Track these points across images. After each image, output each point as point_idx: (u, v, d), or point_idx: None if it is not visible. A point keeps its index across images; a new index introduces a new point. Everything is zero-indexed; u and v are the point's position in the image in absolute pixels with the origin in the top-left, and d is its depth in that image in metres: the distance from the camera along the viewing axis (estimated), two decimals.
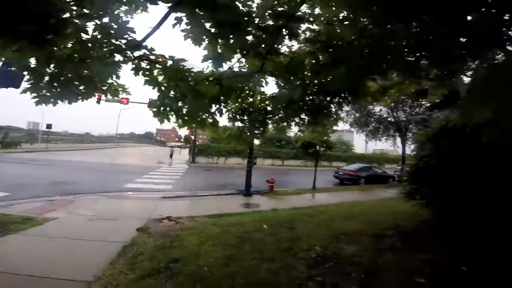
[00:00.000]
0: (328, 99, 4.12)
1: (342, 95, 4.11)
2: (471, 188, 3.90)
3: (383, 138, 22.03)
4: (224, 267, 3.67)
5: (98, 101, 22.23)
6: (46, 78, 2.45)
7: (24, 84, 2.45)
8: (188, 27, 2.29)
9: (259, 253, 4.13)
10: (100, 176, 13.31)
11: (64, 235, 4.76)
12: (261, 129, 4.35)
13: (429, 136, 4.90)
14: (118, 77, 2.74)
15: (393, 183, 16.52)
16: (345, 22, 2.52)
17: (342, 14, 2.62)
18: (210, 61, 2.61)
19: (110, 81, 2.84)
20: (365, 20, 2.40)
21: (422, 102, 18.11)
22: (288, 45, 3.23)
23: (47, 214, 5.97)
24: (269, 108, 4.15)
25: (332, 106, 4.51)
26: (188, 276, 3.41)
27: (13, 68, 2.40)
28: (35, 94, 2.47)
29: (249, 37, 2.54)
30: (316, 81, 3.52)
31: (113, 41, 2.28)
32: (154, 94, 2.95)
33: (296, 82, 3.56)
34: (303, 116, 4.38)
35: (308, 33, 2.93)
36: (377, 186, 14.59)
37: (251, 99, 4.01)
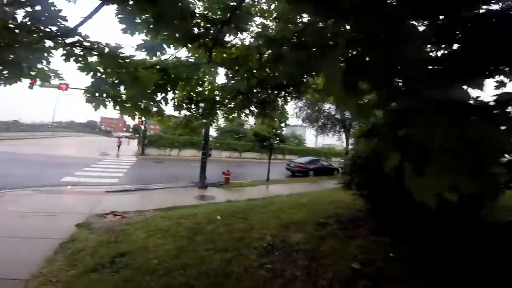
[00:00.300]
0: (275, 92, 4.34)
1: (287, 89, 4.36)
2: (395, 179, 4.54)
3: (330, 134, 23.91)
4: (176, 258, 3.66)
5: (31, 86, 19.10)
6: None
7: None
8: (121, 18, 2.27)
9: (212, 244, 4.21)
10: (32, 169, 11.64)
11: None
12: (210, 118, 4.38)
13: (363, 132, 5.46)
14: (48, 62, 2.55)
15: (337, 175, 17.97)
16: (287, 18, 2.67)
17: (282, 10, 2.79)
18: (144, 50, 2.62)
19: (40, 66, 2.57)
20: (305, 17, 2.58)
21: None
22: (241, 38, 3.31)
23: None
24: (218, 98, 4.18)
25: (278, 99, 4.75)
26: (136, 269, 3.35)
27: None
28: None
29: (196, 29, 2.57)
30: (264, 75, 3.67)
31: (42, 28, 2.15)
32: (86, 83, 2.82)
33: (244, 75, 3.67)
34: (252, 108, 4.54)
35: (253, 28, 3.04)
36: (324, 178, 15.82)
37: (200, 89, 3.99)
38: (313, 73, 3.69)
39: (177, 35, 2.41)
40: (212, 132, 36.39)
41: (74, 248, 3.89)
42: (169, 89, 3.38)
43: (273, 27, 3.03)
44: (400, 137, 1.11)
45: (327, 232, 4.84)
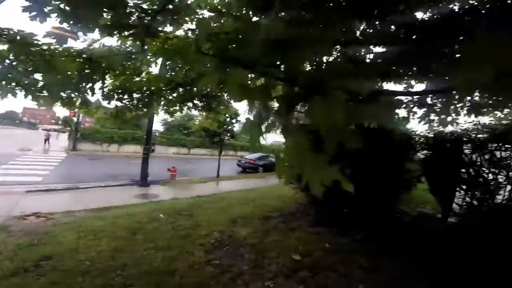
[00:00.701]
0: (220, 86, 4.26)
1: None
2: None
3: (279, 131, 24.88)
4: (111, 259, 3.44)
5: None
6: None
7: None
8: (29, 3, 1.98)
9: (153, 243, 3.99)
10: None
11: None
12: (145, 110, 4.06)
13: None
14: None
15: None
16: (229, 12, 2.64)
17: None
18: (53, 37, 2.36)
19: None
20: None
21: None
22: (184, 29, 3.15)
23: None
24: (154, 89, 3.89)
25: (223, 94, 4.68)
26: (66, 271, 3.07)
27: None
28: None
29: (128, 18, 2.38)
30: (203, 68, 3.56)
31: None
32: None
33: (179, 66, 3.51)
34: (195, 101, 4.37)
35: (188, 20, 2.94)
36: (273, 173, 16.37)
37: (138, 79, 3.67)
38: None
39: (92, 23, 2.19)
40: (158, 126, 34.19)
41: None
42: (97, 78, 3.03)
43: (212, 20, 2.95)
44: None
45: (271, 225, 5.03)
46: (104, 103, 3.98)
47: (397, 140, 4.72)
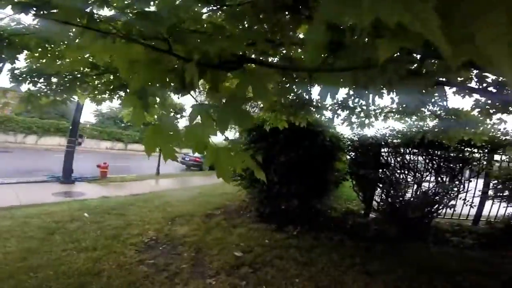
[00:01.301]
0: None
1: None
2: (265, 170, 5.16)
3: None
4: (22, 261, 3.01)
5: None
6: None
7: None
8: None
9: (74, 244, 3.55)
10: None
11: None
12: (65, 95, 3.54)
13: None
14: None
15: None
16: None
17: None
18: None
19: None
20: None
21: None
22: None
23: None
24: (77, 74, 3.43)
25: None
26: None
27: None
28: None
29: None
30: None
31: None
32: None
33: None
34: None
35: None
36: None
37: (59, 62, 3.20)
38: None
39: None
40: (91, 117, 30.46)
41: None
42: (6, 58, 2.53)
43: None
44: None
45: (213, 223, 4.97)
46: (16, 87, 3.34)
47: (327, 141, 5.18)
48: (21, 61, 3.01)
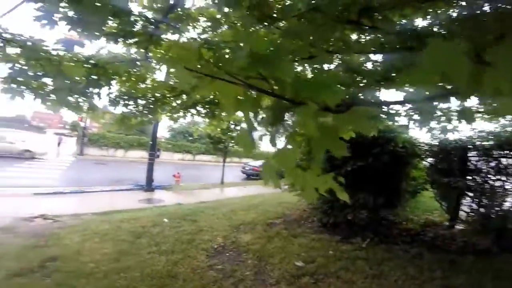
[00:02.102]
0: None
1: None
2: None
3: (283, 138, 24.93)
4: (115, 262, 3.48)
5: None
6: None
7: None
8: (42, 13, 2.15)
9: (156, 247, 4.03)
10: None
11: None
12: (150, 116, 4.15)
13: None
14: None
15: None
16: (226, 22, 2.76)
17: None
18: (62, 45, 2.53)
19: None
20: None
21: None
22: (188, 37, 3.29)
23: None
24: (159, 96, 4.01)
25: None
26: (70, 273, 3.12)
27: None
28: None
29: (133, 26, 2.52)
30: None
31: None
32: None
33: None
34: (198, 108, 4.47)
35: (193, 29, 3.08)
36: None
37: (143, 85, 3.80)
38: None
39: (98, 31, 2.33)
40: (164, 132, 34.56)
41: None
42: (103, 84, 3.15)
43: (210, 29, 3.08)
44: None
45: (274, 232, 5.02)
46: (111, 109, 4.11)
47: (400, 148, 4.71)
48: (114, 87, 3.69)
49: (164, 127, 33.93)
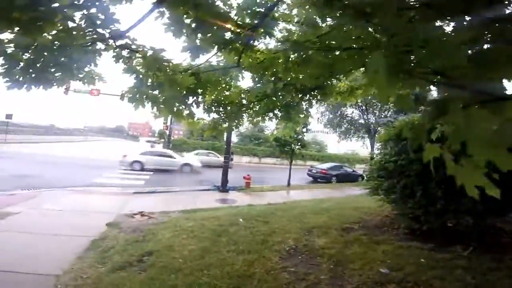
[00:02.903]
0: (299, 95, 4.38)
1: (312, 92, 4.38)
2: (423, 183, 4.32)
3: (354, 139, 23.27)
4: (200, 259, 3.72)
5: (66, 92, 20.83)
6: (21, 65, 2.36)
7: None
8: (169, 21, 2.41)
9: (234, 246, 4.24)
10: (66, 170, 12.55)
11: (27, 229, 4.52)
12: (236, 121, 4.49)
13: (390, 135, 5.24)
14: (96, 64, 2.74)
15: (361, 182, 17.50)
16: (310, 22, 2.71)
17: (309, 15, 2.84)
18: (188, 51, 2.75)
19: (87, 68, 2.81)
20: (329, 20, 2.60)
21: (391, 105, 19.37)
22: (265, 43, 3.41)
23: (7, 209, 5.56)
24: (244, 102, 4.30)
25: (302, 102, 4.75)
26: (162, 268, 3.44)
27: None
28: (7, 79, 2.36)
29: (228, 33, 2.69)
30: (288, 78, 3.75)
31: (99, 30, 2.30)
32: (127, 85, 3.07)
33: (270, 78, 3.76)
34: (276, 111, 4.61)
35: (282, 33, 3.12)
36: (347, 184, 15.37)
37: (227, 93, 4.13)
38: (338, 76, 3.68)
39: (212, 38, 2.55)
40: (233, 137, 36.94)
41: (105, 246, 4.05)
42: (199, 92, 3.54)
43: (296, 31, 3.10)
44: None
45: (352, 237, 4.73)
46: (204, 116, 4.59)
47: None
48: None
49: (234, 132, 36.36)
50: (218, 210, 6.78)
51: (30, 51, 2.33)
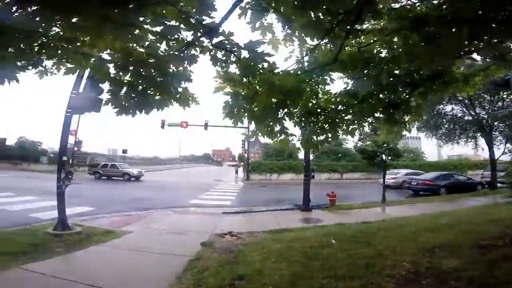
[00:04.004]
0: (407, 90, 3.61)
1: (428, 83, 3.54)
2: None
3: (462, 141, 18.82)
4: (292, 286, 3.35)
5: (162, 126, 25.24)
6: (124, 89, 2.67)
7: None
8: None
9: (331, 271, 3.67)
10: (168, 193, 14.54)
11: (137, 247, 5.06)
12: (333, 131, 3.85)
13: None
14: (190, 80, 2.83)
15: (482, 191, 14.10)
16: None
17: None
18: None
19: (182, 86, 2.93)
20: None
21: (504, 95, 15.31)
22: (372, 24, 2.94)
23: (124, 228, 6.49)
24: (340, 107, 3.73)
25: (412, 99, 3.94)
26: None
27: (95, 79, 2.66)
28: (115, 106, 2.71)
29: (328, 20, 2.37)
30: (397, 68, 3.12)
31: (192, 21, 2.18)
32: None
33: (372, 72, 3.21)
34: (376, 114, 3.90)
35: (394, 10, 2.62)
36: (462, 195, 12.37)
37: (313, 101, 3.68)
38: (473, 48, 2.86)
39: (315, 26, 2.28)
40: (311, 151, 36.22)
41: (199, 266, 4.08)
42: (289, 103, 3.24)
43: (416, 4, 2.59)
44: None
45: (498, 255, 3.69)
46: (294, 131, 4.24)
47: None
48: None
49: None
50: (305, 231, 6.25)
51: (129, 73, 2.58)
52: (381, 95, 3.71)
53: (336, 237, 5.24)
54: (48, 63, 2.68)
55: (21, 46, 2.30)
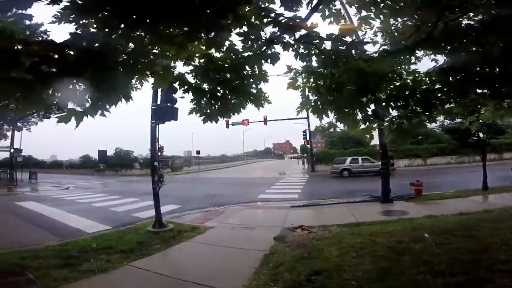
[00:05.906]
0: None
1: None
2: None
3: None
4: (378, 281, 3.10)
5: (227, 126, 26.86)
6: (205, 97, 2.82)
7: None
8: None
9: (426, 266, 3.28)
10: (238, 189, 15.40)
11: (218, 243, 5.39)
12: (427, 114, 3.32)
13: None
14: (266, 80, 2.84)
15: None
16: None
17: None
18: None
19: (256, 88, 2.95)
20: None
21: None
22: None
23: (206, 223, 7.07)
24: (436, 86, 3.21)
25: None
26: None
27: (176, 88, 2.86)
28: (200, 114, 2.88)
29: None
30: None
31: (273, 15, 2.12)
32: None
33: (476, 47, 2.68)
34: (480, 89, 3.23)
35: None
36: None
37: (396, 83, 3.22)
38: None
39: None
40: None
41: (275, 261, 4.08)
42: (372, 89, 2.91)
43: None
44: None
45: None
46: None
47: None
48: None
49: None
50: (388, 224, 5.67)
51: (210, 80, 2.72)
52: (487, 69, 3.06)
53: (428, 231, 4.61)
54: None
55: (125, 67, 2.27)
